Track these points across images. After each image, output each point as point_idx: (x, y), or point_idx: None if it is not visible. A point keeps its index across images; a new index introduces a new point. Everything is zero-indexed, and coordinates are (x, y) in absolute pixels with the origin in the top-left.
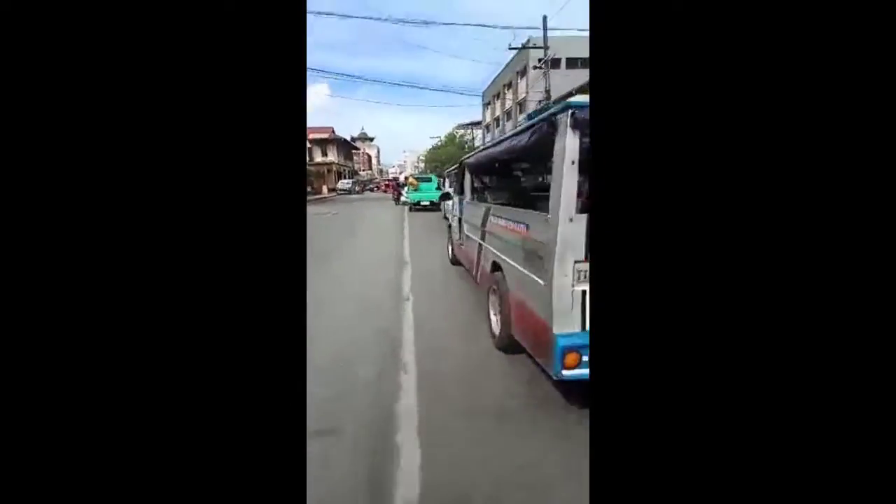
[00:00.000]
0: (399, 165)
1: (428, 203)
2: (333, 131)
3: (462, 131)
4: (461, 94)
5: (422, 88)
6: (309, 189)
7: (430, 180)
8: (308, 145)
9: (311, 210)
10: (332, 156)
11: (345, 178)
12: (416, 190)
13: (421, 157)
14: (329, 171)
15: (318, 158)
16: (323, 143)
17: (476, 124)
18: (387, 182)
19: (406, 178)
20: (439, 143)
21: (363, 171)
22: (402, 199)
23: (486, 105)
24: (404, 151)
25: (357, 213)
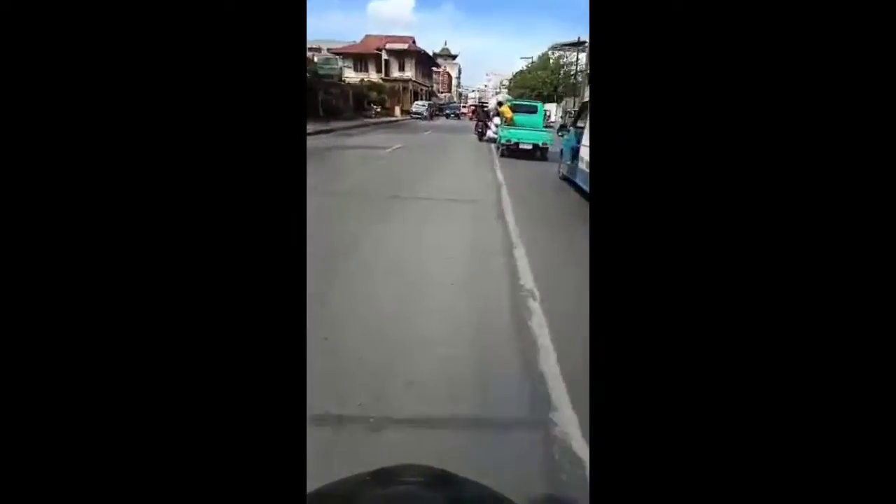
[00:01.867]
0: (480, 90)
1: (530, 147)
2: (414, 41)
3: (559, 53)
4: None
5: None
6: (378, 109)
7: (534, 110)
8: (385, 57)
9: (369, 140)
10: (410, 71)
11: (421, 98)
12: (510, 124)
13: (504, 83)
14: (405, 89)
15: (395, 73)
16: (400, 56)
17: (580, 44)
18: (472, 108)
19: (498, 105)
20: (529, 65)
21: (442, 92)
22: (490, 134)
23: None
24: (487, 74)
25: (424, 154)
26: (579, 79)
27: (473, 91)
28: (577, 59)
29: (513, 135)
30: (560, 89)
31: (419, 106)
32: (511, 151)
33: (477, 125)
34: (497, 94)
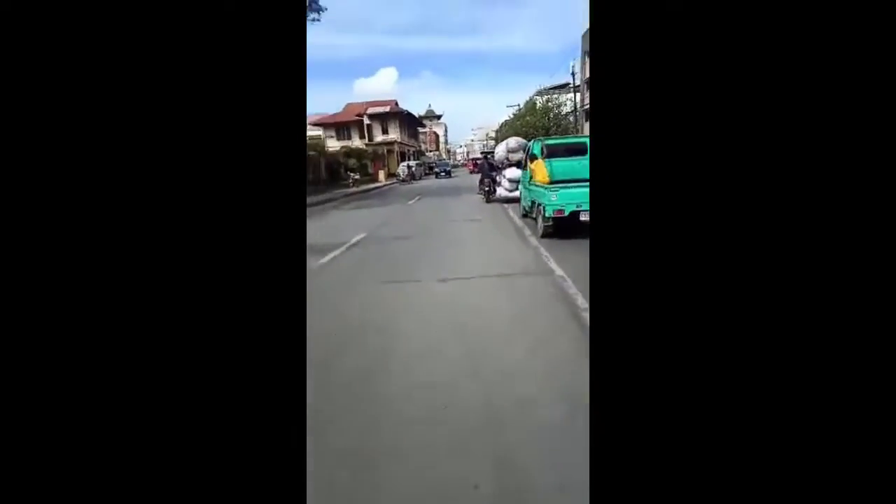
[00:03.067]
0: (467, 144)
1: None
2: (397, 104)
3: (543, 98)
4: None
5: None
6: (357, 177)
7: (583, 150)
8: (367, 122)
9: (321, 226)
10: (395, 133)
11: (410, 158)
12: (548, 181)
13: (491, 134)
14: (390, 151)
15: (379, 137)
16: (383, 119)
17: (565, 86)
18: (473, 160)
19: (510, 153)
20: (516, 113)
21: (430, 151)
22: (502, 192)
23: (585, 54)
24: (473, 129)
25: (408, 248)
26: (570, 119)
27: (461, 147)
28: (573, 98)
29: (564, 197)
30: (552, 131)
31: (403, 168)
32: (563, 227)
33: (483, 181)
34: (484, 145)
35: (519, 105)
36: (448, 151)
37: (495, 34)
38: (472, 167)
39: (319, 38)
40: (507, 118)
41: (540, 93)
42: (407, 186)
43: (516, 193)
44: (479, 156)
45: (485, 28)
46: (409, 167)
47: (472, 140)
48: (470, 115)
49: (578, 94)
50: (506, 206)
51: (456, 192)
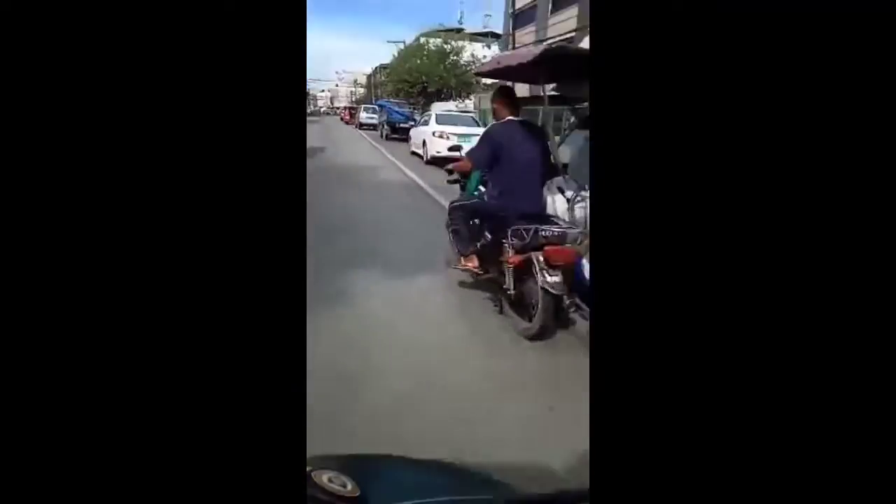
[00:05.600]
0: (331, 90)
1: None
2: None
3: (435, 41)
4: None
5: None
6: None
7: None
8: None
9: None
10: None
11: None
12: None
13: (360, 82)
14: None
15: None
16: None
17: (457, 31)
18: (349, 110)
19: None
20: (401, 52)
21: None
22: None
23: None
24: (337, 72)
25: None
26: (472, 75)
27: (323, 91)
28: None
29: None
30: (449, 83)
31: None
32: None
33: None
34: (352, 93)
35: (404, 42)
36: (308, 94)
37: None
38: (347, 117)
39: None
40: (393, 55)
41: (427, 34)
42: None
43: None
44: (349, 105)
45: None
46: None
47: (337, 85)
48: (334, 58)
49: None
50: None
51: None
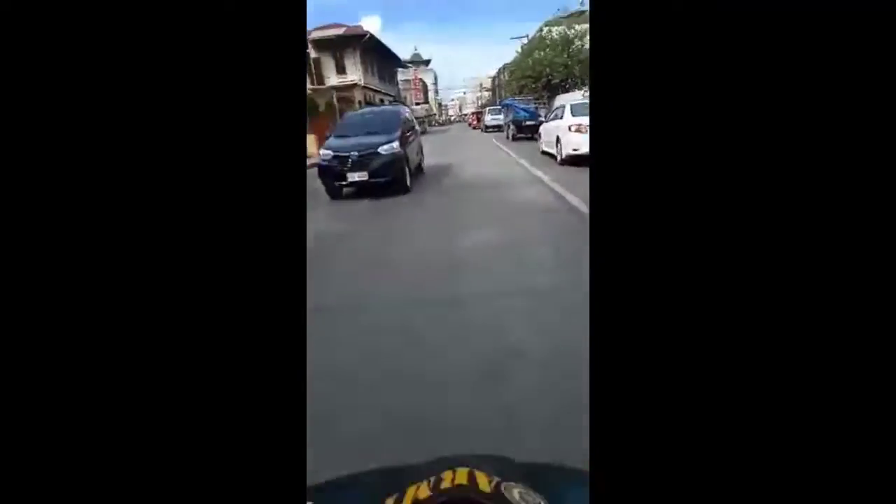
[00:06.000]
0: (458, 98)
1: None
2: (364, 31)
3: (557, 29)
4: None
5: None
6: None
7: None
8: (313, 54)
9: None
10: (356, 73)
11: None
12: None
13: (485, 85)
14: (346, 99)
15: (333, 79)
16: (338, 48)
17: (579, 15)
18: (476, 115)
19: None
20: (524, 47)
21: (418, 103)
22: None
23: None
24: (464, 80)
25: None
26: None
27: (453, 100)
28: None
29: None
30: (575, 71)
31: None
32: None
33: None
34: (478, 98)
35: (527, 36)
36: (440, 105)
37: None
38: (474, 121)
39: None
40: (517, 52)
41: (550, 23)
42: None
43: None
44: (475, 110)
45: None
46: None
47: (465, 93)
48: (460, 66)
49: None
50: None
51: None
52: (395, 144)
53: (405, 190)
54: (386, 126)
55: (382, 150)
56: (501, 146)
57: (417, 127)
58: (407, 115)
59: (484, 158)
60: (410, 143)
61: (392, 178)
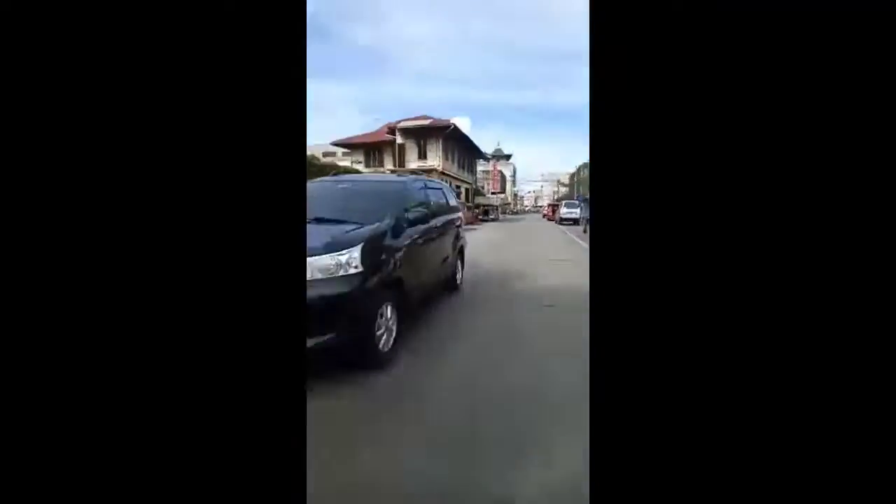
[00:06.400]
0: (535, 191)
1: None
2: (450, 125)
3: None
4: None
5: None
6: None
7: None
8: (399, 140)
9: None
10: (436, 159)
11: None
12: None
13: (563, 181)
14: None
15: (414, 163)
16: (421, 137)
17: None
18: (552, 206)
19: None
20: None
21: (494, 192)
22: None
23: None
24: (542, 174)
25: None
26: None
27: (529, 192)
28: None
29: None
30: None
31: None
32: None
33: (555, 216)
34: (555, 192)
35: None
36: (515, 195)
37: (564, 90)
38: (549, 213)
39: (397, 89)
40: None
41: None
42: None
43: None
44: (552, 202)
45: (556, 82)
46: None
47: (542, 186)
48: (538, 164)
49: None
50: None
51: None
52: (354, 254)
53: (376, 362)
54: (374, 207)
55: (317, 262)
56: (580, 241)
57: (458, 209)
58: (434, 188)
59: (564, 273)
60: (429, 239)
61: (346, 338)
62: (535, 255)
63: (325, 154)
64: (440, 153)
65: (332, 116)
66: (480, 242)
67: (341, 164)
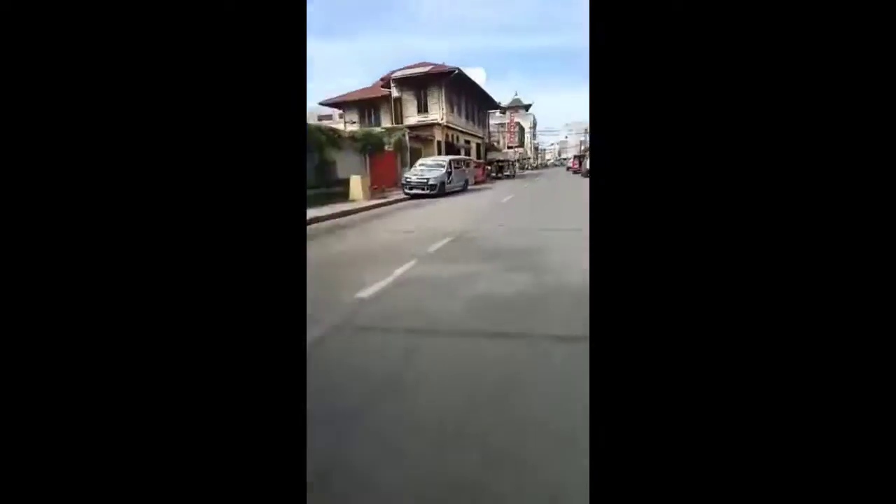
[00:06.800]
0: (560, 143)
1: None
2: (452, 69)
3: None
4: None
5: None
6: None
7: None
8: (395, 93)
9: None
10: (438, 112)
11: (462, 152)
12: None
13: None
14: (425, 139)
15: (413, 118)
16: (420, 87)
17: None
18: (578, 158)
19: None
20: None
21: (510, 147)
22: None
23: None
24: (567, 124)
25: None
26: None
27: (552, 144)
28: None
29: None
30: None
31: (418, 170)
32: None
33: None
34: (581, 142)
35: None
36: (536, 149)
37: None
38: (575, 165)
39: (404, 41)
40: None
41: None
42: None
43: None
44: (578, 154)
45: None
46: (430, 168)
47: (567, 136)
48: (563, 114)
49: None
50: None
51: None
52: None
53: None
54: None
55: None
56: None
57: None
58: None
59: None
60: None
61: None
62: (551, 222)
63: (321, 117)
64: (443, 104)
65: (344, 77)
66: (465, 214)
67: (338, 127)
